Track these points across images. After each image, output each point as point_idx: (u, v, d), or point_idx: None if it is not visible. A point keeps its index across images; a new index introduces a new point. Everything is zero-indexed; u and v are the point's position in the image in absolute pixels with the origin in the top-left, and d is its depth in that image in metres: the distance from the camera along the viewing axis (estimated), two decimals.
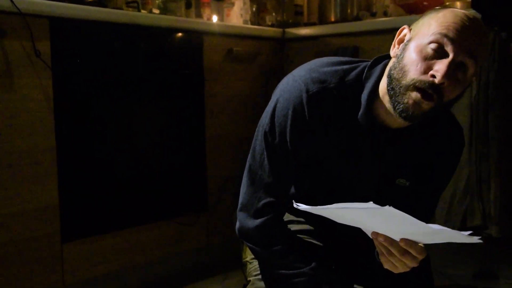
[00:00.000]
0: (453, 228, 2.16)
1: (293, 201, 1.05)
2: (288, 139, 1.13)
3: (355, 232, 1.05)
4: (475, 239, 0.86)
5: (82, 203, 2.02)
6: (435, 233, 0.91)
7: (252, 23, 2.93)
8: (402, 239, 0.95)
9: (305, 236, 1.27)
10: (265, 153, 1.15)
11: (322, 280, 1.14)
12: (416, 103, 1.01)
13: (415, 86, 1.00)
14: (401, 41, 1.08)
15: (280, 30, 2.82)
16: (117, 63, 2.10)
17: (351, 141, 1.14)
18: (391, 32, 2.41)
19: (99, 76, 2.05)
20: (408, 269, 1.00)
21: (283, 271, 1.17)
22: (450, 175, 1.31)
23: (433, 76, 0.99)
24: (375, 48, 2.49)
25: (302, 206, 0.95)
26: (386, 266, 1.04)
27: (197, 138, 2.44)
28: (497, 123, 2.07)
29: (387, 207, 0.84)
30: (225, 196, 2.51)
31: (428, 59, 1.00)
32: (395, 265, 1.00)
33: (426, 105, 1.01)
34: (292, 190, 1.29)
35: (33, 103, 1.86)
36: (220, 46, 2.50)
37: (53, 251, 1.94)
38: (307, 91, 1.10)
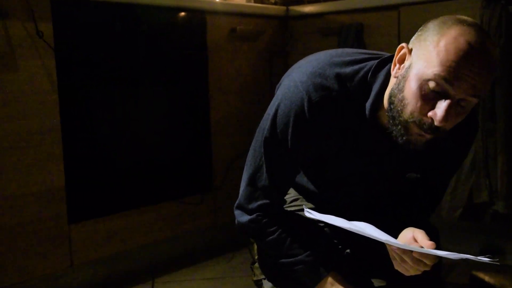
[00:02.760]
0: (458, 207, 2.17)
1: (304, 208, 1.06)
2: (289, 145, 1.12)
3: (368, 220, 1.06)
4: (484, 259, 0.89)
5: (88, 184, 2.03)
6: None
7: (255, 1, 2.90)
8: (415, 251, 0.96)
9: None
10: (263, 158, 1.15)
11: (320, 264, 1.15)
12: (417, 137, 1.01)
13: (414, 122, 0.99)
14: (401, 59, 1.03)
15: (284, 8, 2.79)
16: (120, 43, 2.09)
17: (357, 143, 1.14)
18: (396, 8, 2.42)
19: (102, 56, 2.04)
20: (419, 273, 1.01)
21: (283, 260, 1.18)
22: (463, 159, 1.29)
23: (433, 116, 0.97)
24: (380, 25, 2.46)
25: (315, 214, 1.01)
26: (397, 269, 1.04)
27: (202, 118, 2.43)
28: (504, 98, 2.06)
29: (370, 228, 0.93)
30: (230, 175, 2.51)
31: (428, 98, 0.96)
32: (407, 269, 1.01)
33: (428, 137, 1.00)
34: (301, 181, 1.29)
35: (36, 84, 1.86)
36: (223, 25, 2.48)
37: (60, 232, 1.95)
38: (309, 100, 1.08)
